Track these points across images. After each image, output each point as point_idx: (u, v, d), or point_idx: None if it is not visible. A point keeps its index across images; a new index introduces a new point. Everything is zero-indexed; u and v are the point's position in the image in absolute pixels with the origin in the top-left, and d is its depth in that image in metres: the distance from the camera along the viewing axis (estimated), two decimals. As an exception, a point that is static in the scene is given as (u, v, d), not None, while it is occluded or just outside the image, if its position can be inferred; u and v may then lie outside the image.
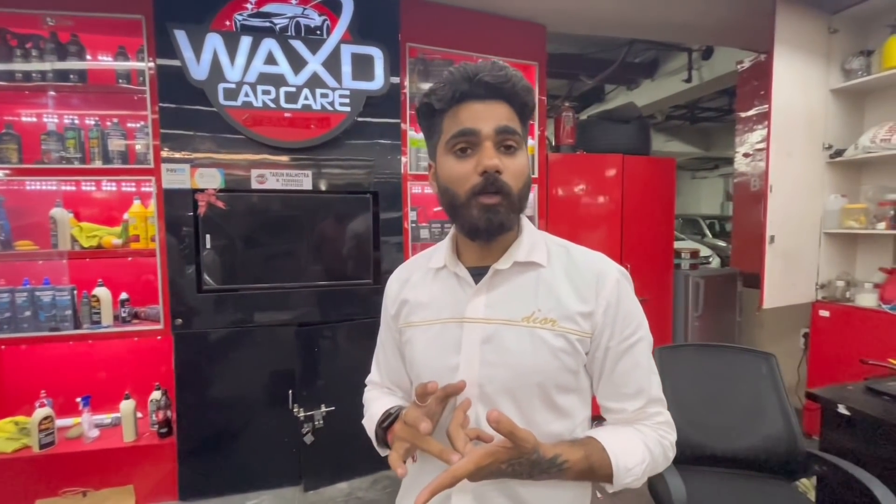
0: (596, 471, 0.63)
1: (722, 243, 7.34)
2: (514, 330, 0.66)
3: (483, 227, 0.64)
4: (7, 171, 1.98)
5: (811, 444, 1.51)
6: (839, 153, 2.55)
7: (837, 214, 2.58)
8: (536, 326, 0.66)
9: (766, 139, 2.47)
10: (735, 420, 1.46)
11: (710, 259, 6.63)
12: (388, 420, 0.73)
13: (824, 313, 2.60)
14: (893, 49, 2.28)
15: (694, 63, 4.29)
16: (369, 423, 0.78)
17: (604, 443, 0.65)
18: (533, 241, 0.71)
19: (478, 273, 0.70)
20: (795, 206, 2.53)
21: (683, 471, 1.28)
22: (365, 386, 0.88)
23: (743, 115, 3.44)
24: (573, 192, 2.89)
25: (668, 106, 5.71)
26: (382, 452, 0.76)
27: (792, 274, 2.56)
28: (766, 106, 2.46)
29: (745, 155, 3.43)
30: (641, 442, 0.67)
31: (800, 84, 2.47)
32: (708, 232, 8.28)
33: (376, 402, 0.80)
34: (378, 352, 0.85)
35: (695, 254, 3.31)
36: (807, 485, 1.80)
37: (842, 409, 1.54)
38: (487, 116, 0.64)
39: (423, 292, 0.75)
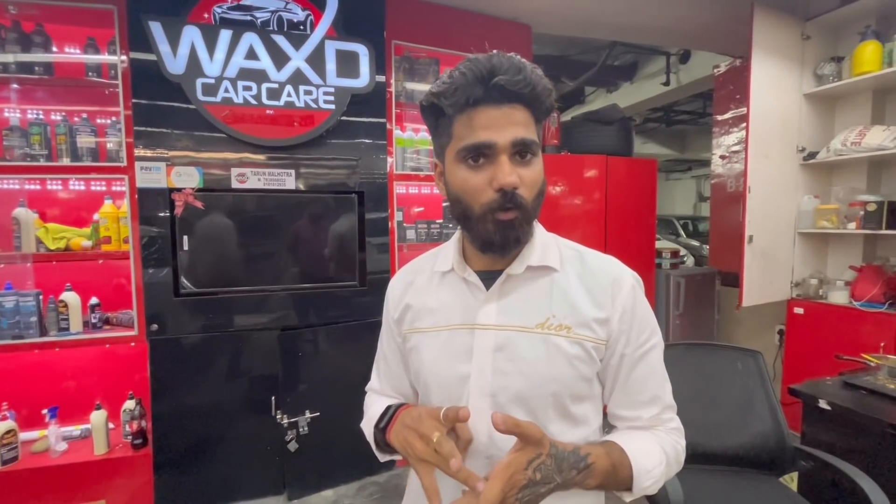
0: (618, 470, 0.61)
1: (696, 243, 7.54)
2: (527, 337, 0.64)
3: (498, 242, 0.62)
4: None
5: (795, 438, 1.55)
6: (812, 156, 2.64)
7: (811, 215, 2.67)
8: (551, 333, 0.64)
9: (745, 141, 2.53)
10: (725, 418, 1.48)
11: (685, 258, 6.80)
12: (386, 419, 0.69)
13: (799, 310, 2.69)
14: (863, 55, 2.38)
15: (672, 67, 4.39)
16: (368, 425, 0.75)
17: (622, 444, 0.64)
18: (545, 244, 0.69)
19: (487, 277, 0.67)
20: (772, 206, 2.61)
21: (676, 469, 1.28)
22: (364, 393, 0.84)
23: (719, 118, 3.53)
24: (557, 193, 2.91)
25: (646, 108, 5.83)
26: (381, 457, 0.72)
27: (769, 272, 2.64)
28: (743, 109, 2.53)
29: (722, 157, 3.52)
30: (658, 444, 0.66)
31: (775, 88, 2.55)
32: (682, 232, 8.50)
33: (374, 406, 0.76)
34: (379, 358, 0.82)
35: (675, 253, 3.38)
36: (789, 478, 1.85)
37: (822, 404, 1.58)
38: (504, 125, 0.59)
39: (430, 297, 0.71)
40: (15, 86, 1.97)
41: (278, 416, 2.14)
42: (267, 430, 2.15)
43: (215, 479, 2.11)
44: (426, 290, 0.73)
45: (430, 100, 0.62)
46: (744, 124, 2.65)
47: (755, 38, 2.45)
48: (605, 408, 0.72)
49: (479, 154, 0.60)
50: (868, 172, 2.61)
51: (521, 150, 0.60)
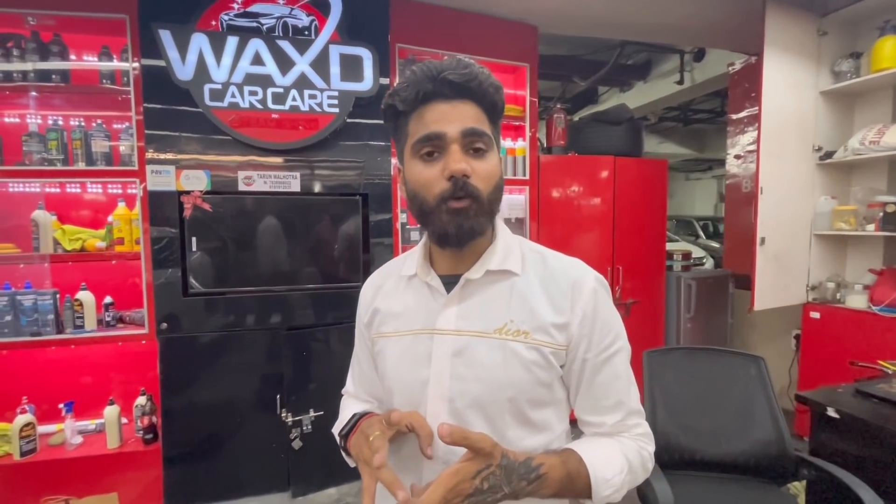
0: (574, 480, 0.60)
1: (716, 244, 7.37)
2: (485, 342, 0.64)
3: (453, 232, 0.62)
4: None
5: (802, 446, 1.50)
6: (829, 155, 2.56)
7: (828, 216, 2.58)
8: (509, 339, 0.63)
9: (757, 141, 2.47)
10: (724, 424, 1.44)
11: (704, 260, 6.64)
12: (347, 426, 0.70)
13: (815, 315, 2.61)
14: (882, 51, 2.29)
15: (686, 65, 4.30)
16: (336, 429, 0.76)
17: (581, 453, 0.63)
18: (507, 247, 0.68)
19: (450, 282, 0.67)
20: (786, 207, 2.54)
21: (672, 476, 1.26)
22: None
23: (734, 117, 3.45)
24: (565, 194, 2.88)
25: (661, 108, 5.73)
26: (350, 462, 0.73)
27: (783, 275, 2.56)
28: (757, 108, 2.46)
29: (737, 157, 3.44)
30: (620, 452, 0.65)
31: (790, 86, 2.48)
32: (702, 233, 8.32)
33: (346, 411, 0.77)
34: (353, 362, 0.83)
35: (687, 255, 3.31)
36: (798, 488, 1.80)
37: (831, 413, 1.53)
38: (454, 118, 0.61)
39: (396, 301, 0.72)
40: (33, 93, 2.05)
41: (283, 415, 2.18)
42: (272, 427, 2.19)
43: (222, 474, 2.16)
44: (393, 295, 0.73)
45: (387, 101, 0.65)
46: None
47: (767, 34, 2.38)
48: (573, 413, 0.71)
49: (432, 146, 0.61)
50: (888, 172, 2.51)
51: (473, 142, 0.61)
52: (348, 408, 0.78)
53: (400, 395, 0.68)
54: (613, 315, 0.67)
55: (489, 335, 0.64)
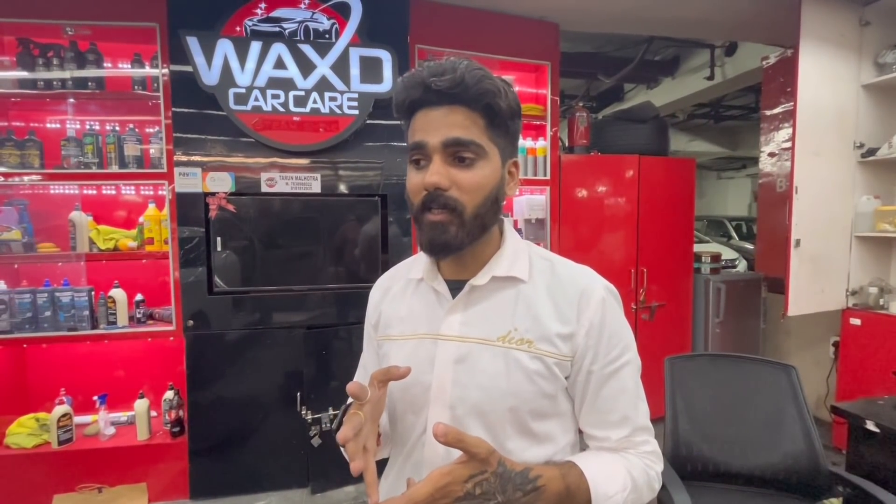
0: (573, 495, 0.58)
1: (749, 246, 7.08)
2: (488, 350, 0.63)
3: (425, 244, 0.61)
4: (30, 176, 2.06)
5: (840, 459, 1.42)
6: (871, 152, 2.41)
7: (870, 217, 2.44)
8: (512, 347, 0.62)
9: (792, 138, 2.35)
10: (751, 435, 1.38)
11: (737, 262, 6.40)
12: (337, 420, 0.68)
13: (855, 321, 2.46)
14: (931, 41, 2.15)
15: (717, 60, 4.15)
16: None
17: (582, 467, 0.60)
18: (515, 253, 0.67)
19: (457, 287, 0.66)
20: (823, 208, 2.41)
21: (693, 487, 1.21)
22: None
23: (768, 113, 3.30)
24: (587, 194, 2.82)
25: (690, 104, 5.55)
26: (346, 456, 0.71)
27: (820, 279, 2.43)
28: (793, 103, 2.34)
29: (771, 154, 3.29)
30: (624, 468, 0.63)
31: (828, 80, 2.35)
32: (734, 234, 8.01)
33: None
34: (360, 366, 0.82)
35: (716, 257, 3.18)
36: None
37: (870, 426, 1.44)
38: (439, 125, 0.59)
39: (402, 305, 0.72)
40: (71, 100, 2.16)
41: (303, 412, 2.22)
42: (292, 424, 2.23)
43: (244, 468, 2.21)
44: (399, 298, 0.73)
45: (393, 101, 0.66)
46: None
47: (804, 25, 2.27)
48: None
49: (420, 155, 0.61)
50: (938, 170, 2.35)
51: (458, 152, 0.59)
52: None
53: (402, 399, 0.68)
54: (622, 327, 0.65)
55: (492, 343, 0.63)
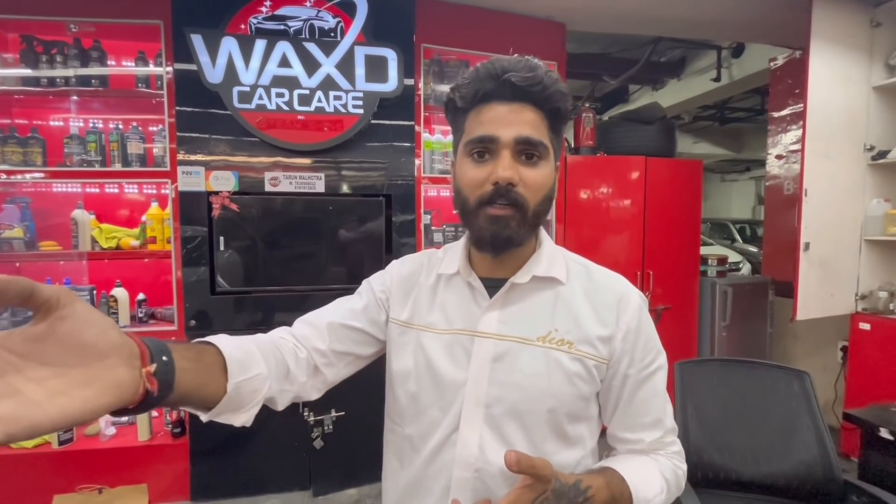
0: (618, 502, 0.59)
1: (753, 249, 7.03)
2: (528, 350, 0.62)
3: (488, 239, 0.60)
4: (32, 174, 2.04)
5: (849, 466, 1.39)
6: (882, 154, 2.38)
7: (880, 220, 2.40)
8: (552, 348, 0.62)
9: (801, 140, 2.32)
10: (763, 442, 1.35)
11: (741, 265, 6.35)
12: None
13: (865, 326, 2.43)
14: (945, 42, 2.12)
15: (723, 61, 4.11)
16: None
17: (621, 472, 0.62)
18: (552, 256, 0.67)
19: (490, 285, 0.66)
20: (833, 211, 2.38)
21: (705, 495, 1.19)
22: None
23: (776, 115, 3.27)
24: (593, 196, 2.80)
25: (696, 106, 5.51)
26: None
27: (829, 283, 2.40)
28: (801, 105, 2.31)
29: (778, 157, 3.26)
30: (658, 471, 0.65)
31: (839, 81, 2.32)
32: (738, 237, 7.96)
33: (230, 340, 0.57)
34: (331, 309, 0.72)
35: (722, 260, 3.15)
36: (844, 513, 1.67)
37: (884, 434, 1.41)
38: (511, 122, 0.59)
39: (434, 297, 0.69)
40: (74, 98, 2.14)
41: (305, 414, 2.20)
42: (295, 426, 2.21)
43: (246, 470, 2.19)
44: (431, 290, 0.70)
45: (448, 95, 0.65)
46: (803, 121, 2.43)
47: (814, 27, 2.24)
48: (602, 429, 0.69)
49: (484, 148, 0.60)
50: (950, 173, 2.32)
51: (526, 150, 0.60)
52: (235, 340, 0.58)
53: (431, 392, 0.65)
54: (654, 333, 0.67)
55: (532, 342, 0.63)
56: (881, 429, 1.40)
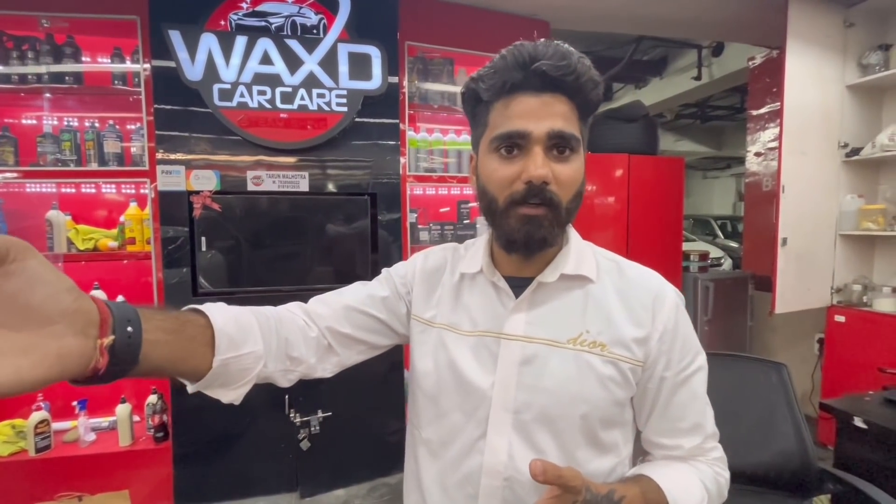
0: None
1: (734, 244, 7.19)
2: (557, 352, 0.59)
3: (521, 240, 0.57)
4: (4, 174, 1.98)
5: (826, 455, 1.43)
6: (855, 152, 2.45)
7: (854, 215, 2.48)
8: (584, 350, 0.59)
9: (779, 138, 2.38)
10: (743, 434, 1.38)
11: (722, 260, 6.48)
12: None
13: (840, 318, 2.50)
14: (913, 42, 2.18)
15: (704, 60, 4.19)
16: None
17: (658, 481, 0.58)
18: (580, 252, 0.63)
19: (516, 284, 0.62)
20: (809, 206, 2.44)
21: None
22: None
23: (754, 113, 3.34)
24: (577, 193, 2.82)
25: (678, 104, 5.60)
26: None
27: (806, 277, 2.47)
28: (779, 104, 2.37)
29: (757, 154, 3.33)
30: (698, 479, 0.61)
31: (814, 80, 2.38)
32: (720, 233, 8.12)
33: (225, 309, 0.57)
34: (350, 291, 0.70)
35: (704, 256, 3.21)
36: (823, 501, 1.72)
37: (858, 422, 1.46)
38: (542, 115, 0.55)
39: (458, 297, 0.66)
40: (48, 95, 2.08)
41: (291, 415, 2.17)
42: (281, 428, 2.18)
43: (231, 473, 2.16)
44: (454, 289, 0.67)
45: (468, 85, 0.59)
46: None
47: (791, 26, 2.29)
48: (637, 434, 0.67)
49: (513, 144, 0.56)
50: (920, 169, 2.40)
51: (558, 144, 0.55)
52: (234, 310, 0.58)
53: (455, 395, 0.63)
54: (692, 332, 0.63)
55: (562, 345, 0.59)
56: (855, 418, 1.44)
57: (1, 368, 0.32)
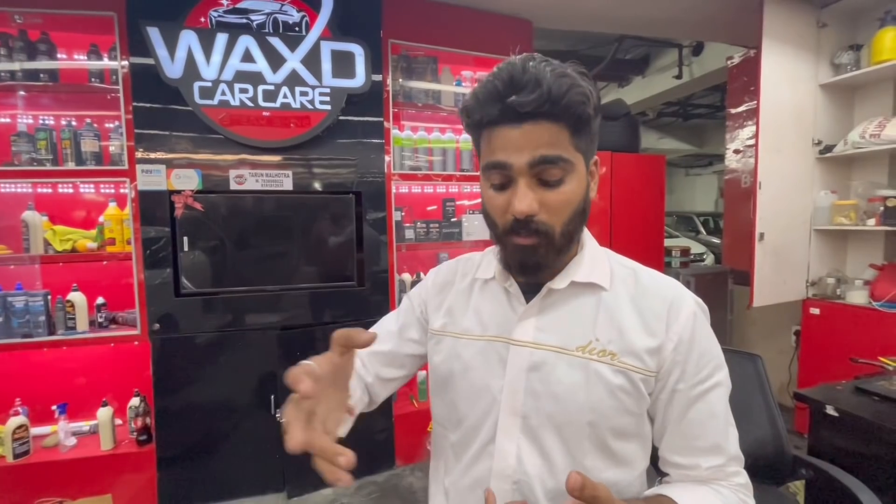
0: None
1: (716, 240, 7.33)
2: (565, 360, 0.59)
3: (516, 266, 0.59)
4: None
5: (802, 443, 1.48)
6: (829, 149, 2.53)
7: (827, 211, 2.55)
8: (593, 359, 0.58)
9: (756, 136, 2.44)
10: (721, 423, 1.42)
11: (705, 256, 6.61)
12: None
13: (815, 311, 2.58)
14: (882, 43, 2.26)
15: (684, 59, 4.27)
16: None
17: (679, 502, 0.56)
18: (594, 259, 0.63)
19: (529, 291, 0.63)
20: (785, 202, 2.51)
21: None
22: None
23: (733, 111, 3.42)
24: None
25: (660, 103, 5.69)
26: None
27: (782, 271, 2.53)
28: (756, 102, 2.43)
29: (736, 151, 3.41)
30: (721, 503, 0.58)
31: (788, 79, 2.44)
32: (702, 229, 8.28)
33: None
34: (380, 323, 0.78)
35: (685, 252, 3.28)
36: (797, 487, 1.77)
37: (830, 410, 1.50)
38: (523, 145, 0.54)
39: (470, 304, 0.68)
40: (21, 93, 2.03)
41: (278, 415, 2.16)
42: (267, 428, 2.17)
43: (217, 475, 2.15)
44: (466, 295, 0.69)
45: (460, 112, 0.61)
46: (756, 117, 2.55)
47: (766, 27, 2.35)
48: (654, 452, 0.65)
49: (500, 175, 0.56)
50: (889, 166, 2.48)
51: (544, 171, 0.55)
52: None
53: (467, 400, 0.64)
54: (714, 345, 0.61)
55: (570, 352, 0.59)
56: (827, 406, 1.49)
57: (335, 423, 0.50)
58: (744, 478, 0.62)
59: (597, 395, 0.57)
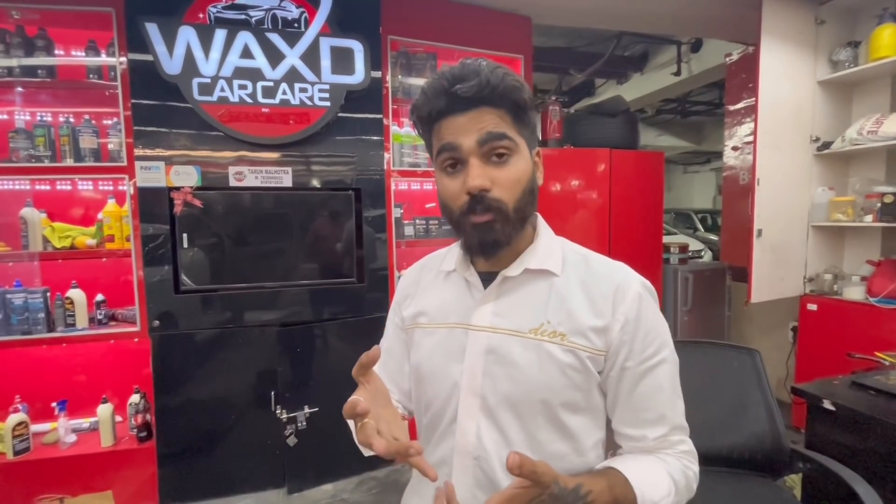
0: None
1: (714, 237, 7.35)
2: (520, 342, 0.63)
3: (476, 245, 0.63)
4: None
5: (799, 438, 1.49)
6: (826, 146, 2.53)
7: (825, 207, 2.56)
8: (544, 340, 0.62)
9: (754, 132, 2.44)
10: (719, 417, 1.43)
11: (703, 253, 6.62)
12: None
13: (812, 307, 2.59)
14: (881, 39, 2.26)
15: (683, 56, 4.27)
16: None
17: (626, 474, 0.60)
18: (549, 247, 0.67)
19: (489, 279, 0.67)
20: (783, 199, 2.52)
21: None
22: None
23: (732, 108, 3.42)
24: (560, 187, 2.86)
25: (659, 100, 5.69)
26: (365, 452, 0.70)
27: (780, 267, 2.55)
28: (755, 99, 2.43)
29: (735, 148, 3.41)
30: (665, 472, 0.62)
31: (787, 76, 2.45)
32: (700, 226, 8.30)
33: None
34: (383, 350, 0.81)
35: (684, 248, 3.29)
36: (794, 480, 1.79)
37: (827, 405, 1.52)
38: (470, 128, 0.60)
39: (433, 294, 0.73)
40: (19, 89, 2.02)
41: (278, 411, 2.17)
42: (267, 424, 2.18)
43: (217, 471, 2.15)
44: (431, 288, 0.74)
45: (410, 115, 0.66)
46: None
47: (765, 23, 2.35)
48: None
49: (453, 159, 0.61)
50: (886, 162, 2.50)
51: (495, 150, 0.60)
52: None
53: (431, 387, 0.69)
54: (660, 324, 0.65)
55: (524, 335, 0.63)
56: (824, 400, 1.50)
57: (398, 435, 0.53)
58: (688, 445, 0.66)
59: (549, 374, 0.61)
